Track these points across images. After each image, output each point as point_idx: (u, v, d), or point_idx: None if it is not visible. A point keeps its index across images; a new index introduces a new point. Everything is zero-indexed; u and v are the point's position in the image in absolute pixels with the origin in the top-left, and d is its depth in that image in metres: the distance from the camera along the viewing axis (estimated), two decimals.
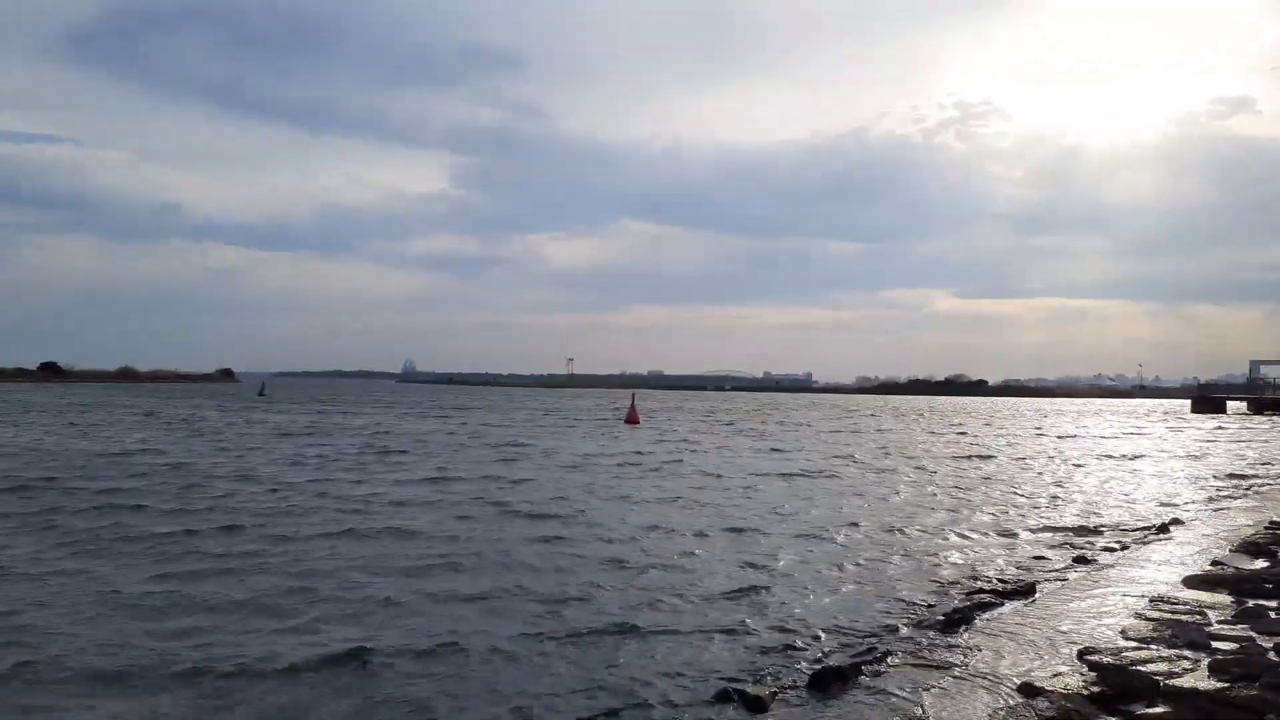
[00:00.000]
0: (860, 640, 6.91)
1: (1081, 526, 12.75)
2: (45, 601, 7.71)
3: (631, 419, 42.22)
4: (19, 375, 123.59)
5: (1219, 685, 5.22)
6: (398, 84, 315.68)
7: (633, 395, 51.41)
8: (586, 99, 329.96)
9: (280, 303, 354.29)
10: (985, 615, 7.41)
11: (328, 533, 11.18)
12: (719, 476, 18.87)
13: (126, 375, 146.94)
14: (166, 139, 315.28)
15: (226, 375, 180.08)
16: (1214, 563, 9.14)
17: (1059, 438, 37.00)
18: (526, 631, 7.11)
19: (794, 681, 5.92)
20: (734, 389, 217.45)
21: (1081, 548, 10.89)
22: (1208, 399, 78.84)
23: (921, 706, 5.32)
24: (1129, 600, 7.67)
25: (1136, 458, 26.20)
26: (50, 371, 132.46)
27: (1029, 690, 5.34)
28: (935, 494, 16.48)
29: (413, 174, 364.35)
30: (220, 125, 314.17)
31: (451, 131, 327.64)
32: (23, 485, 14.80)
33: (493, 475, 18.10)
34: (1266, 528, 11.43)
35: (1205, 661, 5.63)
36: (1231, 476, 20.46)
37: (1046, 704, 5.01)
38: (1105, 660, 5.69)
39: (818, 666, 6.15)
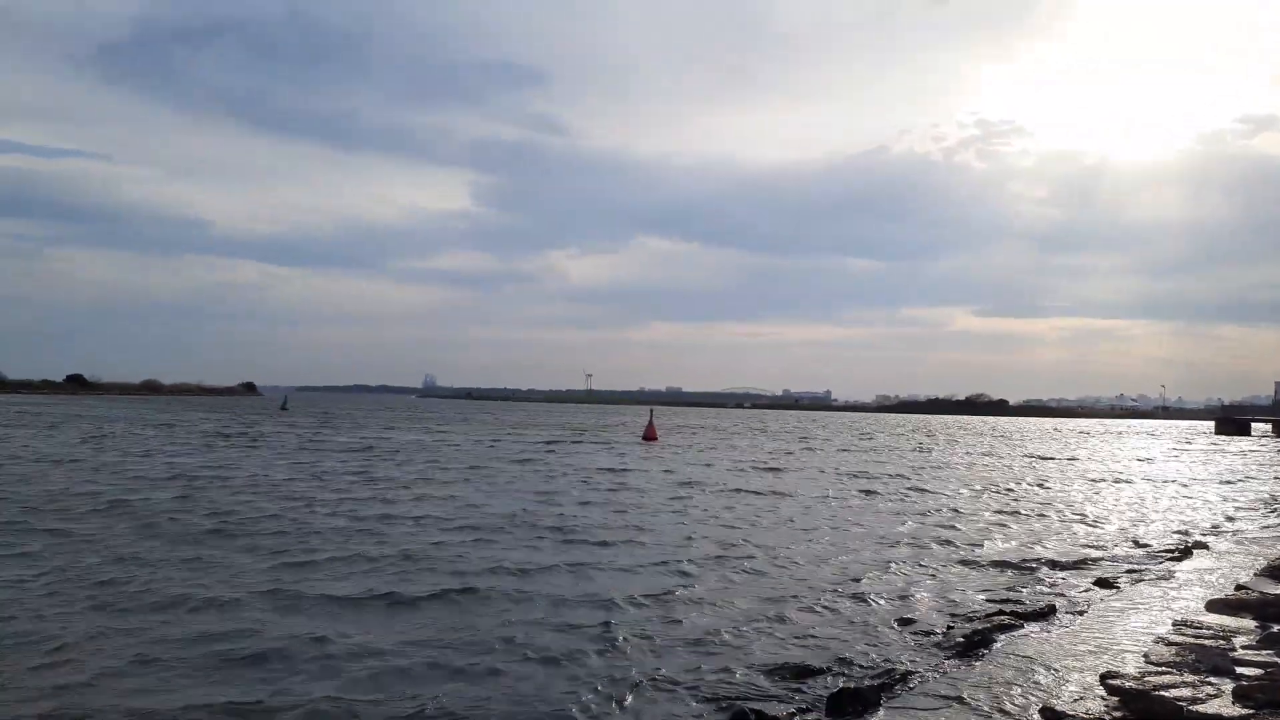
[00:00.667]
0: (880, 662, 6.87)
1: (1104, 549, 12.63)
2: None
3: (650, 436, 42.25)
4: (45, 387, 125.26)
5: (1244, 712, 5.16)
6: (421, 100, 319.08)
7: (650, 412, 51.37)
8: (607, 116, 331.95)
9: (302, 317, 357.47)
10: (1005, 638, 7.36)
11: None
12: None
13: (150, 388, 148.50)
14: (193, 154, 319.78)
15: (249, 389, 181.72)
16: (1238, 587, 9.03)
17: (1073, 459, 36.66)
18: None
19: (812, 704, 5.89)
20: (753, 406, 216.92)
21: (1103, 570, 10.78)
22: (1232, 420, 78.14)
23: None
24: (1152, 624, 7.60)
25: (1159, 480, 25.93)
26: (76, 384, 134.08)
27: (1050, 715, 5.30)
28: (959, 517, 16.36)
29: (435, 190, 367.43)
30: (245, 141, 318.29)
31: (474, 148, 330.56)
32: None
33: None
34: None
35: (1230, 688, 5.56)
36: (1256, 500, 20.21)
37: None
38: (1128, 685, 5.63)
39: (836, 688, 6.12)
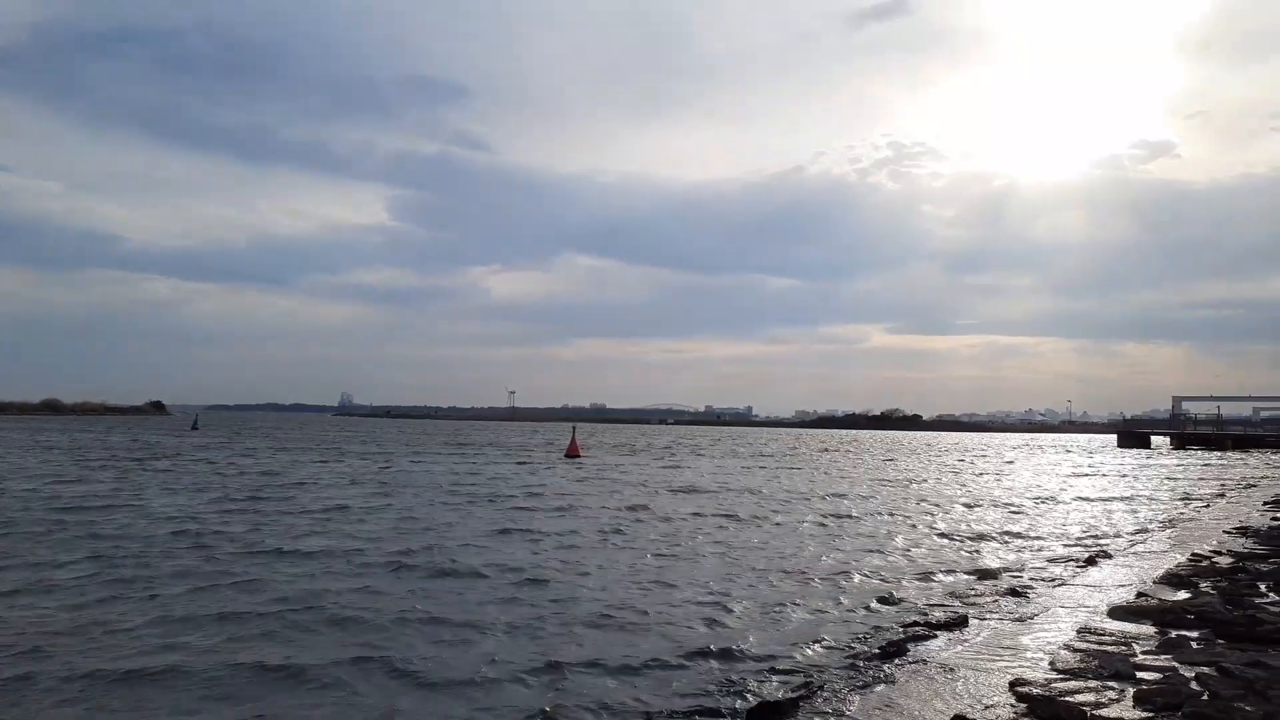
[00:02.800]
0: (798, 673, 6.91)
1: (1013, 559, 12.99)
2: None
3: (572, 452, 42.21)
4: None
5: (1144, 715, 5.34)
6: (337, 115, 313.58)
7: (573, 428, 51.17)
8: (529, 133, 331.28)
9: (214, 334, 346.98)
10: (919, 647, 7.48)
11: None
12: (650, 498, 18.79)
13: (50, 408, 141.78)
14: (100, 167, 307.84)
15: (157, 408, 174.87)
16: (1139, 594, 9.36)
17: (984, 474, 37.72)
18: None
19: (730, 717, 5.89)
20: (676, 423, 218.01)
21: (1012, 579, 11.08)
22: (1133, 434, 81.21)
23: None
24: (1058, 631, 7.81)
25: (1065, 492, 26.81)
26: None
27: None
28: (865, 529, 16.64)
29: (351, 205, 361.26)
30: (155, 153, 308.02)
31: (392, 163, 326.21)
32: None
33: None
34: (1189, 560, 11.77)
35: (1131, 692, 5.75)
36: (1156, 510, 21.04)
37: None
38: (1035, 692, 5.77)
39: (755, 703, 6.13)
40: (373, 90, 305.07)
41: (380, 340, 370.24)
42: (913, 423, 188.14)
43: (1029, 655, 7.00)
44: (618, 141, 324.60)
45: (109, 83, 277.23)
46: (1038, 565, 12.39)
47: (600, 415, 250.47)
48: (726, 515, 18.12)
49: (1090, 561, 12.39)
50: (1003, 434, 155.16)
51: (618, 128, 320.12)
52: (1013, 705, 5.65)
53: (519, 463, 36.31)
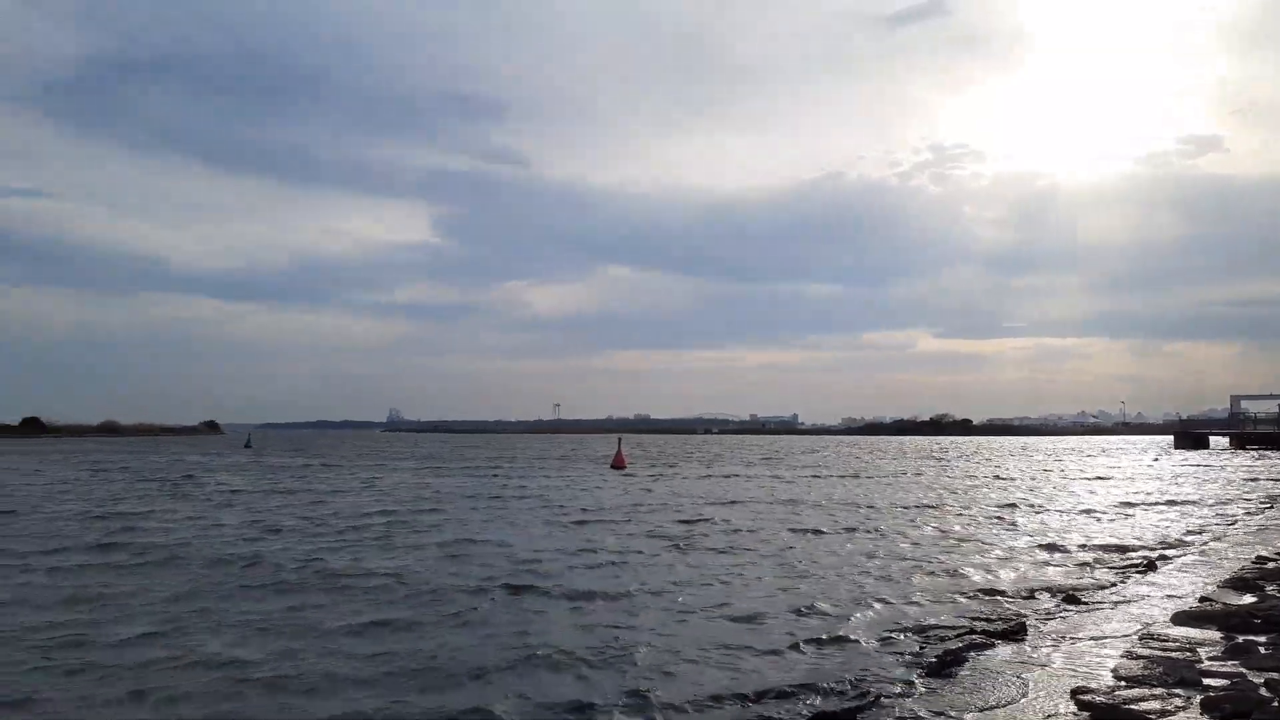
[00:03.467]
0: (855, 684, 6.89)
1: (1072, 565, 12.79)
2: None
3: (618, 463, 42.31)
4: (0, 430, 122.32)
5: None
6: (375, 133, 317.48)
7: (619, 440, 51.34)
8: (565, 146, 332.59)
9: (261, 353, 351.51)
10: (977, 656, 7.42)
11: None
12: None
13: (109, 429, 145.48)
14: (146, 191, 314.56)
15: (211, 428, 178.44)
16: (1203, 599, 9.19)
17: (1038, 475, 37.11)
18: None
19: None
20: (721, 432, 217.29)
21: (1071, 586, 10.92)
22: (1190, 435, 79.24)
23: None
24: (1120, 638, 7.70)
25: (1123, 494, 26.29)
26: (33, 427, 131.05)
27: None
28: (926, 536, 16.49)
29: (391, 223, 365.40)
30: (197, 177, 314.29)
31: (430, 180, 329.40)
32: None
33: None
34: (1253, 563, 11.52)
35: (1197, 699, 5.66)
36: (1217, 512, 20.55)
37: None
38: (1098, 700, 5.71)
39: (814, 712, 6.13)
40: (409, 109, 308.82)
41: (424, 355, 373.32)
42: (963, 428, 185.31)
43: (1090, 663, 6.92)
44: (652, 150, 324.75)
45: (152, 109, 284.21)
46: (1098, 569, 12.20)
47: (645, 425, 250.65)
48: (811, 530, 18.06)
49: (1150, 566, 12.17)
50: (1055, 437, 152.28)
51: (652, 137, 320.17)
52: (1075, 714, 5.59)
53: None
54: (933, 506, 22.28)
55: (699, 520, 18.85)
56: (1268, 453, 63.08)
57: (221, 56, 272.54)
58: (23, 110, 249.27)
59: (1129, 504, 23.08)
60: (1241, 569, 11.02)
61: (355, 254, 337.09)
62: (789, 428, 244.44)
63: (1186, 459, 54.70)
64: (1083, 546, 14.74)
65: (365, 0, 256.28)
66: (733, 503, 23.57)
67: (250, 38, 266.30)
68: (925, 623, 9.08)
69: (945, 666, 7.15)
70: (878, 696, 6.39)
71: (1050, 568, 12.59)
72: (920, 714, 5.95)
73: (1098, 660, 6.98)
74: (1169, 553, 13.57)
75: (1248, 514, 19.86)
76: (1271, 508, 21.19)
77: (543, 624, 9.10)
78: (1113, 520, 19.05)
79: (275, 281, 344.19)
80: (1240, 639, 7.29)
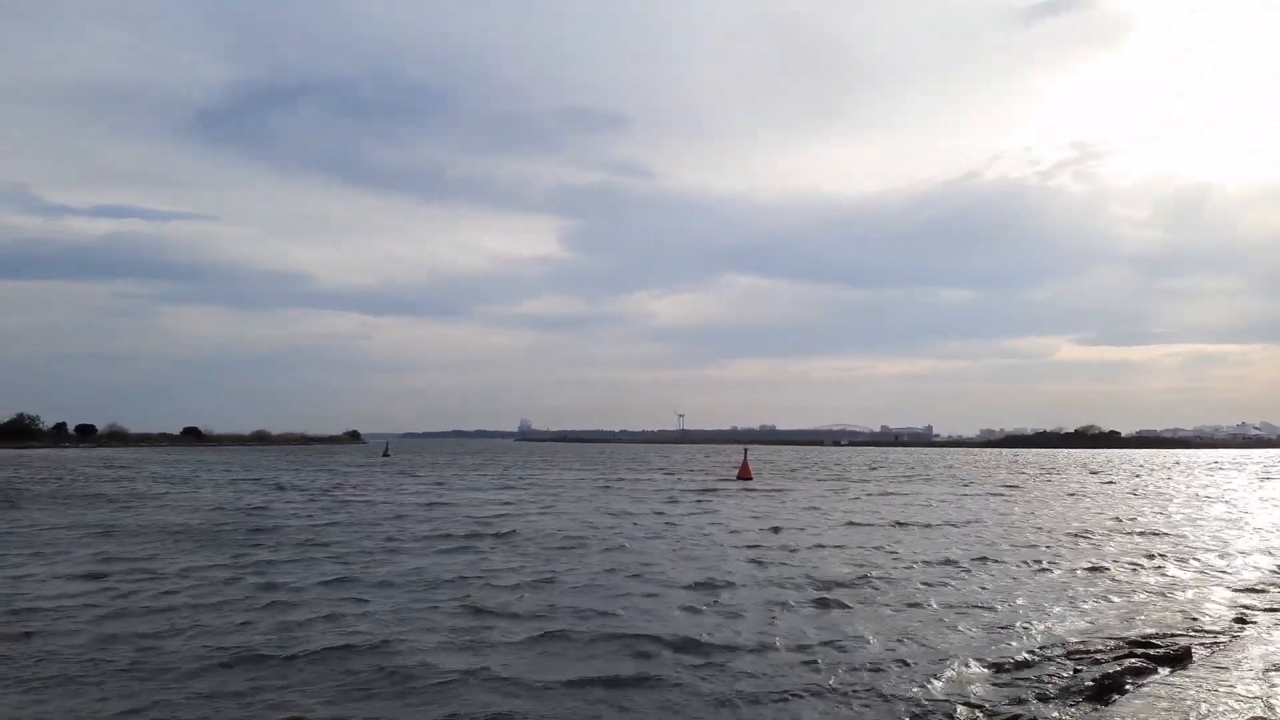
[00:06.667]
0: (1008, 708, 6.58)
1: (1240, 585, 11.93)
2: None
3: (744, 474, 41.93)
4: (164, 440, 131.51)
5: None
6: (503, 150, 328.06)
7: (745, 451, 51.01)
8: (688, 155, 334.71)
9: (400, 366, 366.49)
10: (1138, 682, 6.99)
11: None
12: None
13: (261, 439, 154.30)
14: (291, 211, 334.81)
15: (354, 437, 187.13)
16: None
17: (1205, 489, 34.85)
18: None
19: None
20: (850, 444, 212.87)
21: (1241, 607, 10.18)
22: None
23: None
24: None
25: None
26: (193, 436, 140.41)
27: None
28: (1082, 550, 15.69)
29: (520, 237, 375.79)
30: (339, 196, 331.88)
31: (556, 194, 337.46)
32: None
33: None
34: None
35: None
36: None
37: None
38: None
39: None
40: (535, 124, 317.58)
41: (553, 366, 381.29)
42: (1110, 440, 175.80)
43: (1266, 692, 6.42)
44: (776, 157, 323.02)
45: (295, 132, 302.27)
46: (1270, 591, 11.34)
47: (770, 437, 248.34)
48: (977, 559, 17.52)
49: None
50: (1213, 450, 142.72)
51: (776, 143, 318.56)
52: None
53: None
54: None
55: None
56: None
57: (357, 80, 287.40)
58: (180, 139, 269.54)
59: None
60: None
61: (487, 268, 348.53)
62: (923, 439, 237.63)
63: None
64: (1253, 565, 13.73)
65: (489, 22, 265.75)
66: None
67: (381, 61, 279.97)
68: (1078, 642, 8.60)
69: (1103, 692, 6.76)
70: None
71: (1216, 588, 11.76)
72: None
73: (1273, 687, 6.47)
74: None
75: None
76: None
77: None
78: None
79: (412, 295, 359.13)
80: None
